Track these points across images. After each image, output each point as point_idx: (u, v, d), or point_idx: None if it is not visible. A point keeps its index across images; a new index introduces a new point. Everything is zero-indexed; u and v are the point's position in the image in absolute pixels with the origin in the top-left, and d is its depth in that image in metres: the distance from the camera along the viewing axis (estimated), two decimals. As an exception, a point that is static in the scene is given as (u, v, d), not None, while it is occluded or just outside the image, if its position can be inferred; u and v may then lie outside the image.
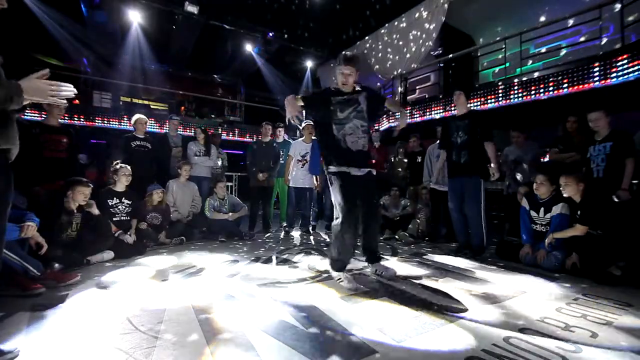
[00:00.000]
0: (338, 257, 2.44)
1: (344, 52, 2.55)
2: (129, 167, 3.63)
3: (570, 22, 5.90)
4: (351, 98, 2.50)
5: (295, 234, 4.75)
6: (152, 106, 10.84)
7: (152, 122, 8.74)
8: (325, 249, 3.72)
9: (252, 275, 2.62)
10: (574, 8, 5.67)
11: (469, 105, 3.75)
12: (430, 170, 4.49)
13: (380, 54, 9.10)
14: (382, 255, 2.74)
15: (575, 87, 4.80)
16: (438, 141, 4.51)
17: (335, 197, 2.42)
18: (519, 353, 1.41)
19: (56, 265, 2.58)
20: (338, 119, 2.46)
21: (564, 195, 2.92)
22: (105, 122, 8.66)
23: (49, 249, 2.44)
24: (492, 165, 3.27)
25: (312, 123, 4.63)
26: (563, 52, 6.48)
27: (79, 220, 3.02)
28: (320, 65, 11.75)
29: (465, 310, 1.90)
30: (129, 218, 3.57)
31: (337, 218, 2.42)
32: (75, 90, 1.34)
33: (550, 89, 5.09)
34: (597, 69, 4.61)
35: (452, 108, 6.48)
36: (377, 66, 9.14)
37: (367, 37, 9.61)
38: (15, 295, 2.03)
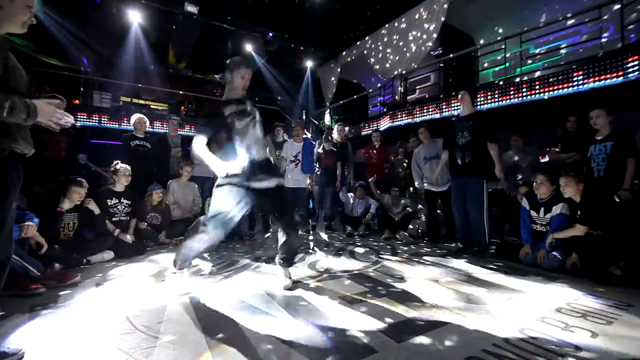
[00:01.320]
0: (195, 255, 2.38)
1: (238, 57, 2.38)
2: (128, 167, 3.62)
3: (570, 22, 5.90)
4: (244, 108, 2.29)
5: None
6: (152, 106, 10.82)
7: (155, 123, 8.69)
8: (325, 248, 3.73)
9: (252, 276, 2.63)
10: (574, 8, 5.67)
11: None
12: (419, 172, 4.50)
13: (380, 54, 9.10)
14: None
15: (576, 87, 4.80)
16: (420, 145, 4.54)
17: (220, 204, 2.26)
18: (519, 353, 1.42)
19: (56, 265, 2.58)
20: (238, 129, 2.24)
21: (564, 195, 2.92)
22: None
23: (49, 249, 2.44)
24: (496, 167, 3.28)
25: (302, 123, 4.64)
26: (563, 52, 6.47)
27: (76, 220, 3.02)
28: (320, 66, 11.75)
29: (466, 310, 1.91)
30: (128, 218, 3.56)
31: (208, 221, 2.27)
32: (73, 122, 1.51)
33: (551, 88, 5.08)
34: (597, 68, 4.61)
35: (450, 110, 6.49)
36: (377, 66, 9.15)
37: (367, 38, 9.61)
38: (15, 295, 2.03)
